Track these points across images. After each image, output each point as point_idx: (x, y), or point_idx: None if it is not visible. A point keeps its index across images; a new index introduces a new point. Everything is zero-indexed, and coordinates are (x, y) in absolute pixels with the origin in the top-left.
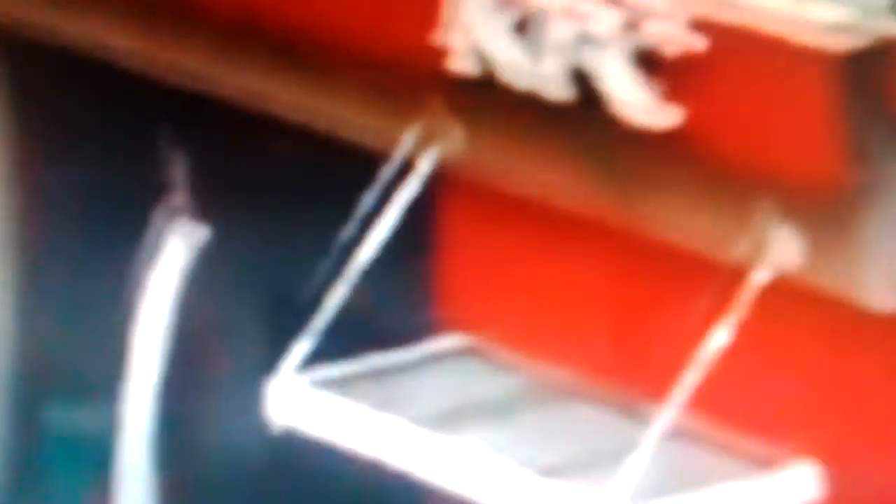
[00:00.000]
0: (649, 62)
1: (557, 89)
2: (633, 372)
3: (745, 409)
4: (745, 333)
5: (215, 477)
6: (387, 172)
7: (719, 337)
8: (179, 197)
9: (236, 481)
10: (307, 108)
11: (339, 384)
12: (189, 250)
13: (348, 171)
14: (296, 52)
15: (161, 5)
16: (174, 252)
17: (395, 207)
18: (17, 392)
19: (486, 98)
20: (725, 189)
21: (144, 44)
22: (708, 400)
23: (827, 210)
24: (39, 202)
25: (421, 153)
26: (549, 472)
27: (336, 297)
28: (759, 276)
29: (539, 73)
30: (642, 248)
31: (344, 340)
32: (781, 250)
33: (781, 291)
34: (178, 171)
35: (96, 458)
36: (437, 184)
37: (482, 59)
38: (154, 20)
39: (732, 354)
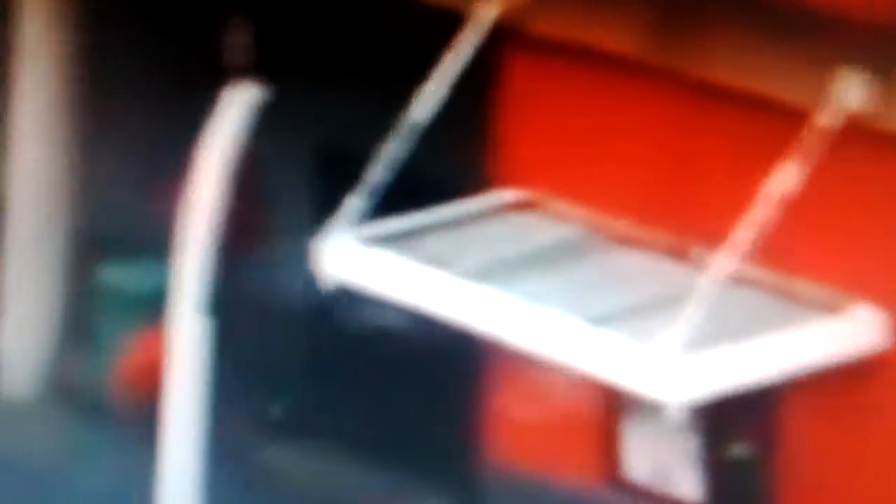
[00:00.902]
0: None
1: None
2: (694, 219)
3: (810, 257)
4: (813, 180)
5: (267, 330)
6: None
7: (783, 181)
8: (240, 59)
9: (289, 335)
10: None
11: (392, 240)
12: (247, 109)
13: (409, 29)
14: None
15: None
16: (233, 111)
17: (452, 61)
18: (76, 247)
19: None
20: (788, 29)
21: None
22: (774, 248)
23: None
24: (105, 65)
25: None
26: (603, 320)
27: (391, 152)
28: (825, 120)
29: None
30: (702, 92)
31: (401, 197)
32: (849, 93)
33: (850, 137)
34: (240, 34)
35: (145, 308)
36: (493, 40)
37: None
38: None
39: (800, 202)
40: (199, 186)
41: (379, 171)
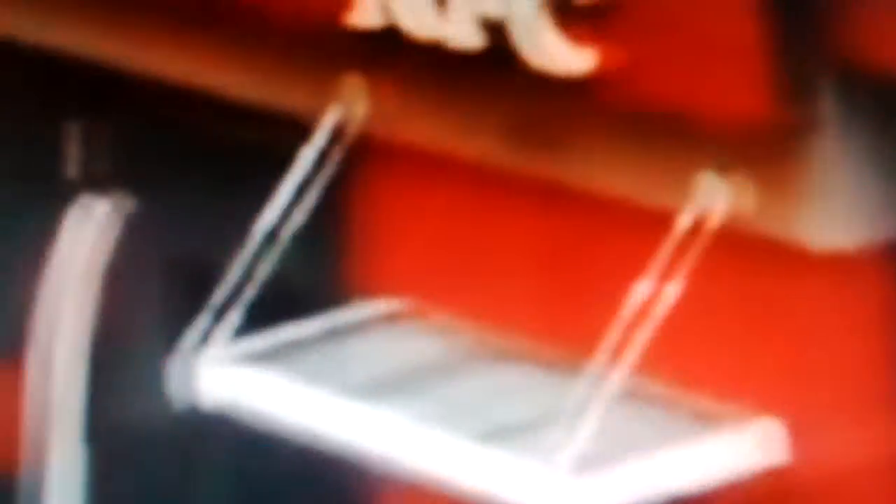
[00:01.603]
0: (560, 5)
1: (465, 38)
2: (570, 331)
3: (691, 367)
4: (692, 287)
5: (134, 454)
6: (291, 139)
7: (648, 287)
8: (84, 169)
9: (155, 458)
10: (213, 76)
11: (263, 356)
12: (98, 224)
13: (266, 143)
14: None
15: None
16: (83, 226)
17: (298, 168)
18: None
19: (389, 51)
20: (651, 133)
21: (51, 21)
22: (661, 358)
23: (762, 151)
24: None
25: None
26: (489, 438)
27: (244, 264)
28: (687, 223)
29: (445, 21)
30: (570, 200)
31: (262, 312)
32: (711, 195)
33: (723, 240)
34: (81, 142)
35: None
36: (352, 147)
37: (384, 8)
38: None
39: (679, 310)
40: (50, 310)
41: (234, 283)
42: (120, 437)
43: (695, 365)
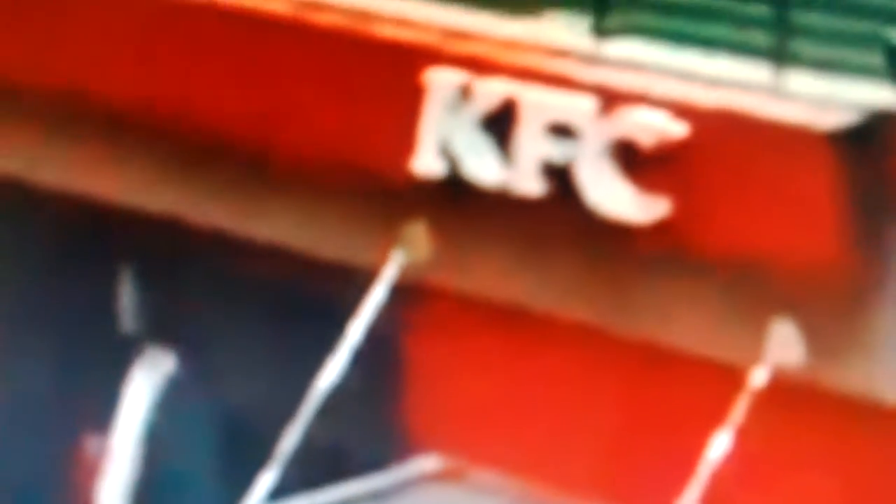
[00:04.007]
0: (628, 151)
1: (529, 185)
2: (626, 488)
3: None
4: (750, 441)
5: None
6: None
7: (720, 444)
8: (137, 322)
9: None
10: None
11: None
12: (154, 380)
13: (324, 294)
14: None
15: (119, 126)
16: (143, 384)
17: (360, 320)
18: None
19: (453, 199)
20: (719, 284)
21: (108, 170)
22: None
23: (831, 303)
24: None
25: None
26: None
27: (300, 423)
28: (759, 377)
29: (509, 168)
30: (628, 351)
31: (310, 471)
32: (782, 349)
33: (788, 395)
34: (133, 293)
35: None
36: (403, 301)
37: (448, 156)
38: (117, 142)
39: (738, 464)
40: (115, 465)
41: (289, 443)
42: None
43: None
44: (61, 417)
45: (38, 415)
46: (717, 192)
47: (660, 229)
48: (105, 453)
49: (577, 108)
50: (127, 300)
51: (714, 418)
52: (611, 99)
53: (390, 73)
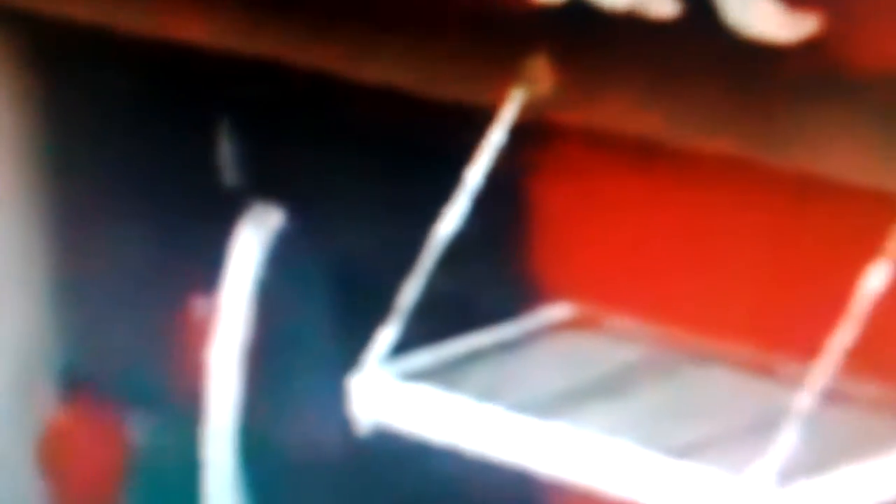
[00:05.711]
0: None
1: (661, 5)
2: (773, 331)
3: None
4: None
5: (298, 479)
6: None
7: (878, 278)
8: (239, 176)
9: (321, 483)
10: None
11: (434, 373)
12: (262, 237)
13: (438, 138)
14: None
15: None
16: (247, 240)
17: (478, 165)
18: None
19: (577, 26)
20: (877, 106)
21: (197, 12)
22: (862, 355)
23: None
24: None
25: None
26: (685, 451)
27: (421, 274)
28: None
29: None
30: (776, 185)
31: (434, 324)
32: None
33: None
34: (235, 146)
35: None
36: (525, 141)
37: None
38: None
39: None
40: (225, 326)
41: (409, 295)
42: (282, 462)
43: None
44: (166, 280)
45: (142, 278)
46: (872, 1)
47: (809, 48)
48: (214, 315)
49: None
50: (226, 154)
51: (872, 250)
52: None
53: None
